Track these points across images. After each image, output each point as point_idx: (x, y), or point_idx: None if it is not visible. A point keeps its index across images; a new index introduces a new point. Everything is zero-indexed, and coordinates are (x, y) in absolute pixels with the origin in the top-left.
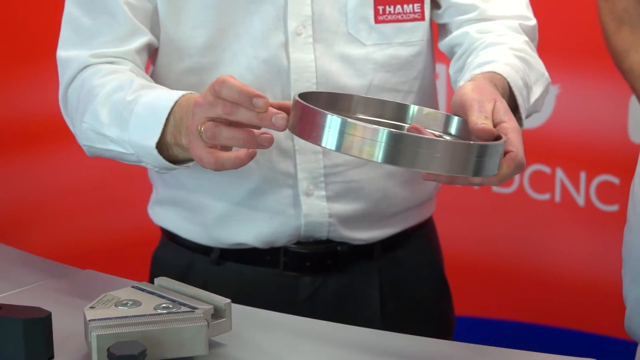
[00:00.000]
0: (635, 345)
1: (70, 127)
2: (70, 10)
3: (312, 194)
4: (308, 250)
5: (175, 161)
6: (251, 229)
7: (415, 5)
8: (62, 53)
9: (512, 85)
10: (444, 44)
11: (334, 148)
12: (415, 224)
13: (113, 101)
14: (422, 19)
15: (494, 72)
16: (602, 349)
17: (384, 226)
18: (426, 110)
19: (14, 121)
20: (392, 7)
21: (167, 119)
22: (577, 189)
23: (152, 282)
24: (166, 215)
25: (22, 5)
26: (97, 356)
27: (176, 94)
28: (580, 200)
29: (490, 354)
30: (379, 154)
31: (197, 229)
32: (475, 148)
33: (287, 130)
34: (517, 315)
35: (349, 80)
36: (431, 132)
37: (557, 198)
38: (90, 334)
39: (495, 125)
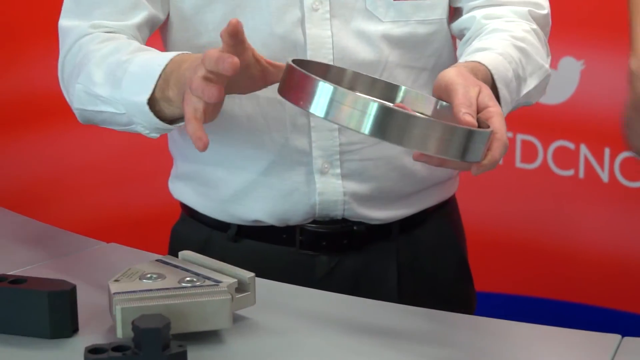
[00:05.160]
0: None
1: (65, 96)
2: None
3: (327, 172)
4: (324, 229)
5: (163, 118)
6: (265, 205)
7: None
8: (63, 22)
9: (496, 77)
10: (454, 27)
11: (322, 115)
12: (435, 204)
13: (108, 62)
14: None
15: (478, 62)
16: (627, 325)
17: (401, 206)
18: (414, 92)
19: (35, 97)
20: None
21: (160, 75)
22: (601, 165)
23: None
24: (185, 190)
25: None
26: (122, 329)
27: (173, 53)
28: (605, 176)
29: (512, 328)
30: (366, 126)
31: (213, 205)
32: (464, 132)
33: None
34: (542, 291)
35: (366, 57)
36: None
37: (581, 174)
38: (115, 307)
39: (480, 110)
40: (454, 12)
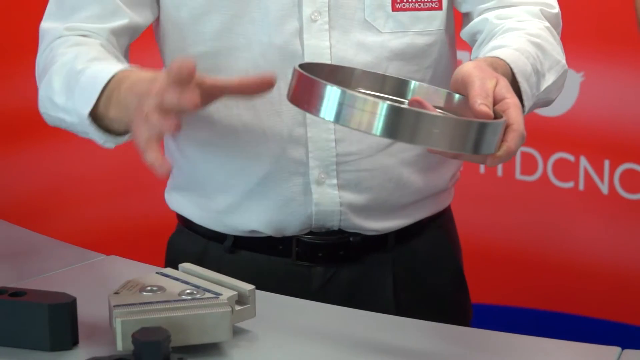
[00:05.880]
0: None
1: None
2: None
3: (323, 182)
4: (320, 241)
5: (112, 132)
6: (262, 216)
7: None
8: (43, 24)
9: (516, 71)
10: (465, 32)
11: (332, 119)
12: (431, 215)
13: (67, 70)
14: (440, 8)
15: (497, 57)
16: (626, 337)
17: (397, 216)
18: (427, 86)
19: (33, 109)
20: None
21: (103, 91)
22: (601, 177)
23: (169, 267)
24: (181, 201)
25: None
26: (122, 342)
27: (116, 67)
28: (604, 188)
29: (510, 340)
30: (377, 127)
31: (209, 216)
32: (475, 125)
33: (298, 118)
34: (541, 303)
35: (364, 68)
36: (432, 107)
37: (581, 186)
38: (115, 320)
39: (497, 102)
40: (463, 18)
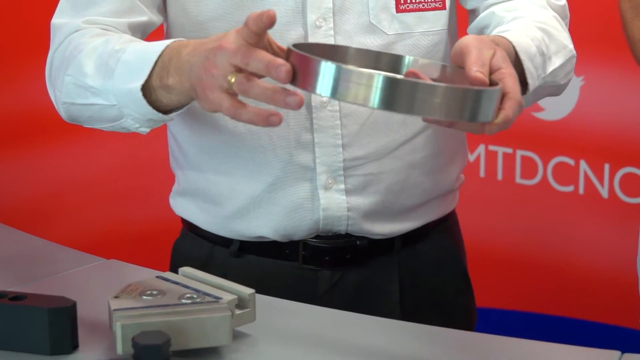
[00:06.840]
0: None
1: (51, 93)
2: None
3: (330, 187)
4: (327, 244)
5: (158, 109)
6: (269, 222)
7: None
8: (55, 20)
9: (518, 49)
10: (472, 28)
11: (328, 95)
12: (437, 218)
13: (100, 52)
14: (443, 7)
15: (500, 36)
16: (626, 342)
17: (404, 220)
18: (422, 60)
19: (34, 113)
20: None
21: (156, 62)
22: (601, 181)
23: (173, 272)
24: (187, 206)
25: None
26: (122, 345)
27: (168, 40)
28: (604, 192)
29: (512, 345)
30: (374, 100)
31: (216, 221)
32: (472, 93)
33: (305, 124)
34: (541, 307)
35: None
36: (428, 79)
37: (581, 190)
38: (115, 324)
39: (493, 71)
40: (469, 15)
